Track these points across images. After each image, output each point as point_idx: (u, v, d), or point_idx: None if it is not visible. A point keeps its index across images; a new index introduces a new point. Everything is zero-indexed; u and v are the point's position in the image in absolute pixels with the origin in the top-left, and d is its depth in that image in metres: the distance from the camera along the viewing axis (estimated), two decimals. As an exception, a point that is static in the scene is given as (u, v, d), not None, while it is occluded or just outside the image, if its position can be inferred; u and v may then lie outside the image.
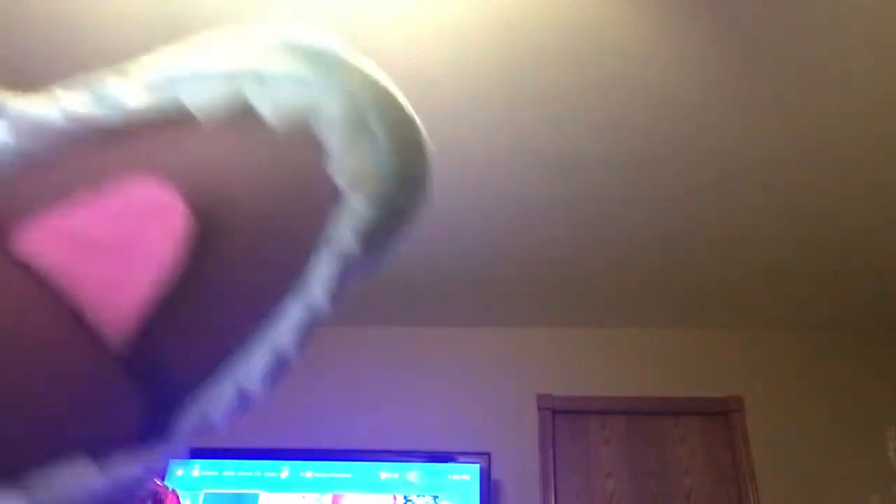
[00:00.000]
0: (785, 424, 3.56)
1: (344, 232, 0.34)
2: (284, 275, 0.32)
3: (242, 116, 0.31)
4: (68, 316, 0.27)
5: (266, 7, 2.15)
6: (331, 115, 0.33)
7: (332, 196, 0.33)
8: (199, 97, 0.31)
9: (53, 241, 0.27)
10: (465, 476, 3.25)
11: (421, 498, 3.20)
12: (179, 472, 3.24)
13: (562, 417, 3.64)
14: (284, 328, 0.32)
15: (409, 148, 0.36)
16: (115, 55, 2.39)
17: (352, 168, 0.33)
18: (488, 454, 3.34)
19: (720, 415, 3.63)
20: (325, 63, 0.34)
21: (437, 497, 3.20)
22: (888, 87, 2.35)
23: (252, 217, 0.30)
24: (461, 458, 3.29)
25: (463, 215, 3.02)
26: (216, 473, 3.26)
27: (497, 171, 2.79)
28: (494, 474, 3.36)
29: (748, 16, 2.13)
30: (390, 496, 3.20)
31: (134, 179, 0.28)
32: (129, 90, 0.31)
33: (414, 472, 3.26)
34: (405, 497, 3.20)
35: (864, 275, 3.33)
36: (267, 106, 0.32)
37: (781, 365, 3.71)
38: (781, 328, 3.77)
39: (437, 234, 3.11)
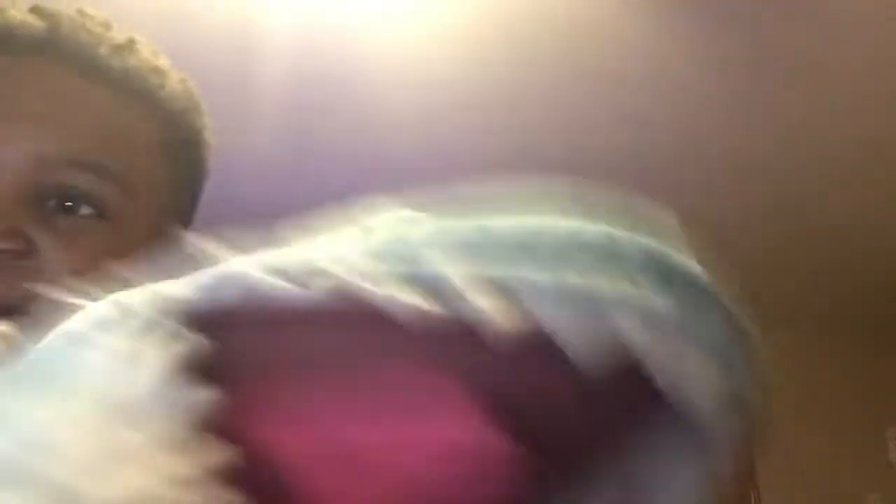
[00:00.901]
0: (785, 424, 3.56)
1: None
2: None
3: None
4: None
5: (267, 6, 2.14)
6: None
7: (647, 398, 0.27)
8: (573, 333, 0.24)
9: (314, 449, 0.21)
10: (465, 475, 3.25)
11: (421, 497, 3.20)
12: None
13: (562, 417, 3.64)
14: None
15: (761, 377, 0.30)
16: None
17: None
18: (488, 454, 3.34)
19: (720, 415, 3.62)
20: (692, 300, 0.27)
21: (437, 496, 3.20)
22: (890, 84, 2.35)
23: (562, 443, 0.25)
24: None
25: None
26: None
27: (500, 172, 2.78)
28: (494, 474, 3.35)
29: (750, 13, 2.13)
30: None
31: (444, 405, 0.22)
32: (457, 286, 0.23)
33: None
34: (405, 496, 3.20)
35: (863, 275, 3.33)
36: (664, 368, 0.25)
37: (781, 365, 3.70)
38: (780, 328, 3.76)
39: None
